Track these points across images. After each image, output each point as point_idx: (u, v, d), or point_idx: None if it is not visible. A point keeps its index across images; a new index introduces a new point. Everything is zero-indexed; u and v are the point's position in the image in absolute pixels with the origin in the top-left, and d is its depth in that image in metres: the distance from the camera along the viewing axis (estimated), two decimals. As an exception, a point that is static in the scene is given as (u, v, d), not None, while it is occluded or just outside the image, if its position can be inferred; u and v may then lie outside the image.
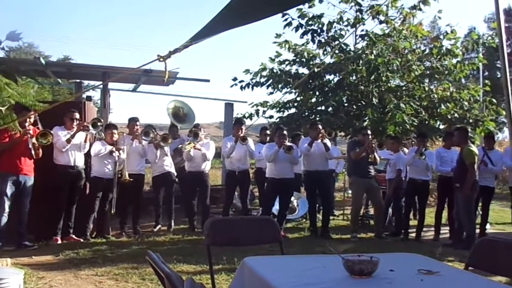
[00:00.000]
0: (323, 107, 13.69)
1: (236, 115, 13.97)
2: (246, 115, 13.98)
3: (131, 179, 8.70)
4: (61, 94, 24.64)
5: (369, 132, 9.25)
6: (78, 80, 12.03)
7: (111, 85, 10.72)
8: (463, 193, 8.37)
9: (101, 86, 10.69)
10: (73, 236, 8.24)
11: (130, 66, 10.60)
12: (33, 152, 7.57)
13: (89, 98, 11.08)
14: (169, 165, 9.54)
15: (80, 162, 8.30)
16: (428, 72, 13.42)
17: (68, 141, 8.01)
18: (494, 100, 13.60)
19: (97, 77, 10.34)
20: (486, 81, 15.99)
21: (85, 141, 8.33)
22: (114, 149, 8.55)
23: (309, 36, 13.55)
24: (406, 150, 10.44)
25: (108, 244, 8.05)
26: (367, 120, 12.20)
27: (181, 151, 9.71)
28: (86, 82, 13.52)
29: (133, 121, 9.22)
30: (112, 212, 8.68)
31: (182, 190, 10.94)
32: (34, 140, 7.55)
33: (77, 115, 8.27)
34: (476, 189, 8.49)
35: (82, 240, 8.20)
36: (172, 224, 9.53)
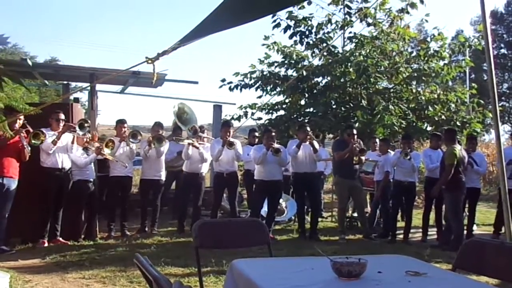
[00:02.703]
0: (311, 109, 13.72)
1: (225, 117, 13.97)
2: (235, 116, 13.98)
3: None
4: (48, 96, 24.54)
5: (354, 131, 9.26)
6: (65, 82, 11.96)
7: (98, 86, 10.65)
8: (449, 195, 8.46)
9: (88, 87, 10.63)
10: (60, 239, 8.19)
11: (118, 68, 10.57)
12: (26, 153, 7.53)
13: (76, 100, 11.06)
14: (161, 172, 9.53)
15: (67, 164, 8.24)
16: (415, 74, 13.48)
17: (54, 142, 7.95)
18: (482, 102, 13.71)
19: (84, 78, 10.28)
20: (473, 84, 16.12)
21: (72, 143, 8.27)
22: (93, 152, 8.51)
23: (297, 37, 13.59)
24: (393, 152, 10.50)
25: (96, 247, 8.01)
26: (357, 122, 12.23)
27: (181, 153, 9.73)
28: (73, 84, 13.45)
29: (120, 123, 9.19)
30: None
31: (176, 190, 10.96)
32: (25, 142, 7.50)
33: (62, 116, 8.20)
34: (462, 190, 8.55)
35: (69, 243, 8.15)
36: (155, 228, 9.48)
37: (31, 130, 7.67)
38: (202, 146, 9.52)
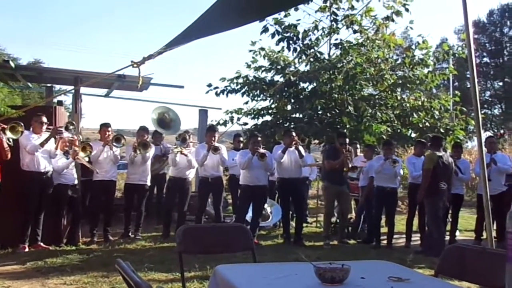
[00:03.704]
0: (297, 114, 13.76)
1: (211, 122, 13.97)
2: (221, 121, 13.99)
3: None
4: (31, 99, 24.33)
5: (346, 140, 9.28)
6: (49, 85, 11.87)
7: (83, 90, 10.60)
8: (428, 200, 8.56)
9: (73, 90, 10.57)
10: (41, 244, 8.09)
11: (103, 71, 10.53)
12: (7, 151, 7.44)
13: (60, 103, 10.95)
14: (146, 177, 9.51)
15: (49, 168, 8.15)
16: (400, 81, 13.59)
17: (42, 145, 7.86)
18: (465, 109, 13.85)
19: (69, 81, 10.22)
20: (456, 91, 16.27)
21: (56, 148, 8.18)
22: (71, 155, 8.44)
23: (285, 43, 13.64)
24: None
25: (78, 252, 7.92)
26: (343, 129, 12.28)
27: (160, 158, 9.67)
28: (57, 87, 13.35)
29: (104, 126, 9.12)
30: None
31: (158, 195, 10.90)
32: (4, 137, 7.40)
33: (45, 119, 8.09)
34: (441, 196, 8.61)
35: (50, 248, 8.06)
36: (139, 233, 9.44)
37: (5, 126, 7.50)
38: (188, 151, 9.49)
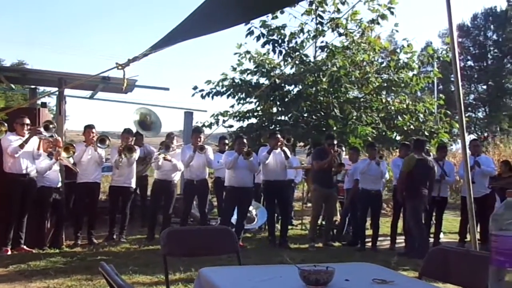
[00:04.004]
0: (283, 117, 13.78)
1: (196, 124, 13.94)
2: (206, 124, 13.96)
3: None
4: (15, 100, 24.15)
5: (334, 142, 9.31)
6: (33, 86, 11.78)
7: (67, 91, 10.52)
8: (409, 203, 8.65)
9: (57, 92, 10.50)
10: (24, 246, 8.01)
11: (87, 73, 10.46)
12: None
13: (44, 105, 10.86)
14: (131, 180, 9.47)
15: (32, 171, 8.07)
16: (385, 84, 13.65)
17: (21, 146, 7.78)
18: (449, 112, 13.95)
19: (53, 83, 10.14)
20: (441, 95, 16.38)
21: (38, 149, 8.11)
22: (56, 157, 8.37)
23: (270, 46, 13.65)
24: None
25: (61, 255, 7.86)
26: (331, 132, 12.30)
27: (143, 160, 9.63)
28: (41, 88, 13.24)
29: (89, 128, 9.06)
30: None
31: (143, 197, 10.86)
32: None
33: (28, 120, 8.02)
34: (422, 199, 8.68)
35: (33, 251, 7.99)
36: (124, 235, 9.39)
37: None
38: (173, 152, 9.46)
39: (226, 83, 13.91)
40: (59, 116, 9.76)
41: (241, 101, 13.95)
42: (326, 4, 13.72)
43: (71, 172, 8.98)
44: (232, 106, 14.26)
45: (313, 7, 13.61)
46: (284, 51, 13.68)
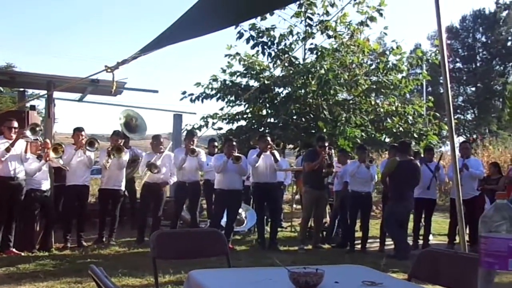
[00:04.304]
0: (272, 119, 13.79)
1: (185, 126, 13.91)
2: (196, 126, 13.94)
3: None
4: (3, 103, 23.99)
5: (326, 143, 9.32)
6: (21, 89, 11.71)
7: (56, 94, 10.46)
8: (387, 205, 8.93)
9: (46, 95, 10.45)
10: (14, 249, 7.96)
11: (76, 76, 10.42)
12: None
13: (33, 108, 10.81)
14: (121, 182, 9.44)
15: (20, 173, 8.01)
16: (374, 86, 13.70)
17: (8, 149, 7.72)
18: (438, 114, 14.02)
19: (41, 86, 10.09)
20: (430, 97, 16.47)
21: (26, 151, 8.06)
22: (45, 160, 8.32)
23: (259, 48, 13.66)
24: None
25: (51, 258, 7.81)
26: (321, 133, 12.32)
27: (131, 162, 9.61)
28: (30, 91, 13.17)
29: (78, 131, 9.02)
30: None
31: (132, 200, 10.82)
32: None
33: (15, 124, 7.96)
34: (402, 203, 8.74)
35: (23, 254, 7.94)
36: (113, 238, 9.36)
37: None
38: (159, 156, 9.45)
39: (216, 85, 13.91)
40: (48, 118, 9.71)
41: (231, 104, 13.96)
42: (316, 7, 13.76)
43: (60, 175, 8.94)
44: (222, 109, 14.27)
45: (302, 9, 13.64)
46: (273, 53, 13.70)
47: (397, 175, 8.70)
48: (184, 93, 13.99)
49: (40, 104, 19.67)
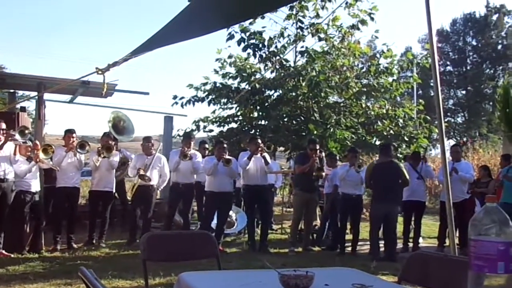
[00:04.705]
0: (263, 122, 13.79)
1: (178, 131, 13.90)
2: (187, 130, 13.95)
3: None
4: (-6, 104, 23.82)
5: (317, 147, 9.33)
6: (12, 90, 11.65)
7: (46, 96, 10.42)
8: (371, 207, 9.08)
9: (36, 97, 10.40)
10: (3, 251, 7.91)
11: (67, 77, 10.37)
12: None
13: (23, 109, 10.75)
14: (111, 184, 9.43)
15: (10, 175, 7.95)
16: (365, 89, 13.72)
17: None
18: (428, 118, 14.07)
19: (32, 87, 10.05)
20: (420, 100, 16.52)
21: (15, 153, 8.00)
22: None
23: (250, 50, 13.66)
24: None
25: (41, 260, 7.79)
26: (308, 136, 12.33)
27: (121, 164, 9.59)
28: (20, 93, 13.10)
29: (69, 132, 8.99)
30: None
31: (123, 203, 10.79)
32: None
33: (3, 125, 7.89)
34: (376, 205, 8.83)
35: (12, 256, 7.90)
36: (103, 240, 9.33)
37: None
38: (152, 157, 9.43)
39: (207, 87, 13.89)
40: (38, 120, 9.67)
41: (222, 107, 13.98)
42: (307, 10, 13.77)
43: (50, 176, 8.90)
44: (214, 112, 14.28)
45: (293, 11, 13.64)
46: (264, 55, 13.70)
47: (375, 177, 8.78)
48: (175, 97, 13.96)
49: (30, 105, 19.58)
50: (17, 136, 7.99)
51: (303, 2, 13.49)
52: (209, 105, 13.88)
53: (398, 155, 12.52)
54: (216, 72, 14.11)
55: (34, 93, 10.28)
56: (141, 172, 9.24)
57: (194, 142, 10.23)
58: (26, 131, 8.21)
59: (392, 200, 8.75)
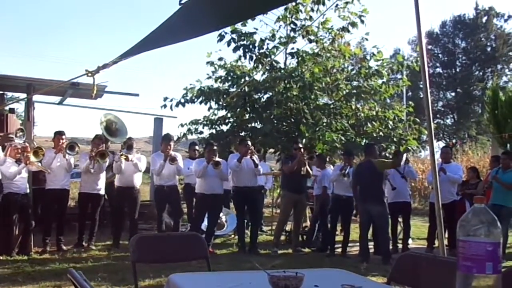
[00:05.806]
0: (253, 124, 13.78)
1: (167, 133, 13.85)
2: (180, 135, 13.97)
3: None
4: (-18, 106, 23.67)
5: (300, 145, 9.36)
6: (1, 92, 11.58)
7: (36, 97, 10.37)
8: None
9: (26, 98, 10.35)
10: (-8, 253, 7.88)
11: (56, 79, 10.32)
12: None
13: (12, 111, 10.70)
14: (101, 186, 9.38)
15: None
16: (355, 91, 13.75)
17: None
18: (418, 120, 14.13)
19: (21, 89, 10.00)
20: (410, 102, 16.57)
21: (5, 155, 7.97)
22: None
23: (241, 51, 13.65)
24: (332, 167, 10.68)
25: (30, 261, 7.77)
26: (303, 138, 12.34)
27: (111, 166, 9.56)
28: (9, 94, 13.03)
29: (58, 134, 8.96)
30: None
31: (111, 205, 10.75)
32: None
33: None
34: (363, 204, 8.86)
35: (1, 258, 7.86)
36: (93, 242, 9.30)
37: None
38: (133, 157, 9.38)
39: (195, 91, 13.86)
40: (27, 122, 9.62)
41: (213, 109, 13.99)
42: (301, 12, 13.78)
43: (39, 178, 8.85)
44: (205, 117, 14.26)
45: (288, 13, 13.63)
46: (254, 57, 13.69)
47: (355, 177, 8.86)
48: (165, 99, 13.93)
49: (19, 107, 19.44)
50: (17, 140, 7.99)
51: (299, 5, 13.50)
52: (200, 104, 13.87)
53: (387, 155, 12.56)
54: (209, 77, 14.11)
55: (23, 95, 10.22)
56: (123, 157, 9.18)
57: (174, 143, 10.15)
58: (20, 133, 8.21)
59: (374, 198, 8.70)
